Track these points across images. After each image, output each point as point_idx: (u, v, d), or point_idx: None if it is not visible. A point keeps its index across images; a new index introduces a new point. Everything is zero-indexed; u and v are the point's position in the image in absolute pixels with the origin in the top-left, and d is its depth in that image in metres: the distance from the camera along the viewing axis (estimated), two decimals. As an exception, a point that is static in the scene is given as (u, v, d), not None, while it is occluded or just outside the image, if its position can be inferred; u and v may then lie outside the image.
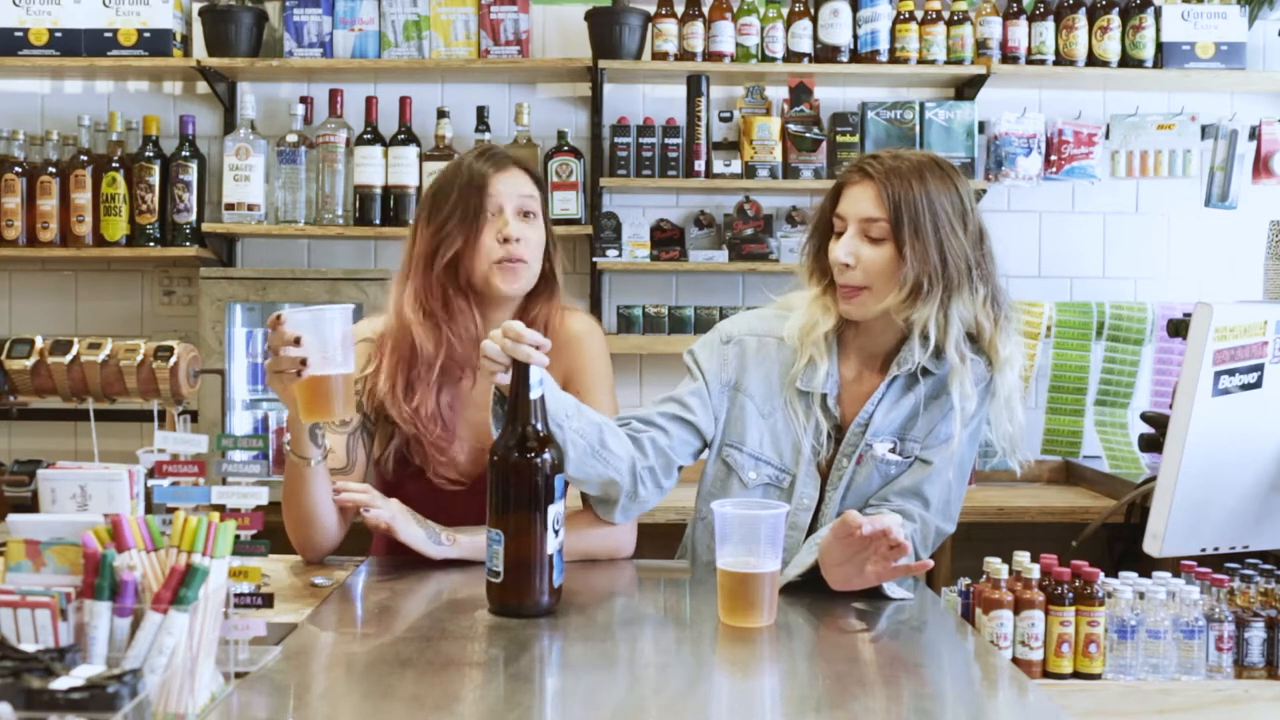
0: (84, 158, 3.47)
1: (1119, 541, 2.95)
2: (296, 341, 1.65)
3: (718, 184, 3.50)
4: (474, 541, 1.84)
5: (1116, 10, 3.52)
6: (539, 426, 1.57)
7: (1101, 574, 1.83)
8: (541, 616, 1.56)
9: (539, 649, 1.46)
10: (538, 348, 1.57)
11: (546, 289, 2.04)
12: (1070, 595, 1.81)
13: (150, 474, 1.35)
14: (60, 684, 0.92)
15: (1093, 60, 3.52)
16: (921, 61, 3.49)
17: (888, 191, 1.82)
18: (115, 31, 3.45)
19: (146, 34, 3.45)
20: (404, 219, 3.43)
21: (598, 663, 1.45)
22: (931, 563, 1.71)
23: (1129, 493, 2.84)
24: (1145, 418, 3.13)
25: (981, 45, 3.51)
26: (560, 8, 3.66)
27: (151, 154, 3.49)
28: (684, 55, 3.49)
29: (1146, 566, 2.00)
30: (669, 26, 3.48)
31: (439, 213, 1.97)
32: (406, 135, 3.49)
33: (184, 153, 3.51)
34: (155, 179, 3.48)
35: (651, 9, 3.51)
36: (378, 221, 3.45)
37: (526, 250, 1.97)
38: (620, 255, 3.52)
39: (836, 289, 1.87)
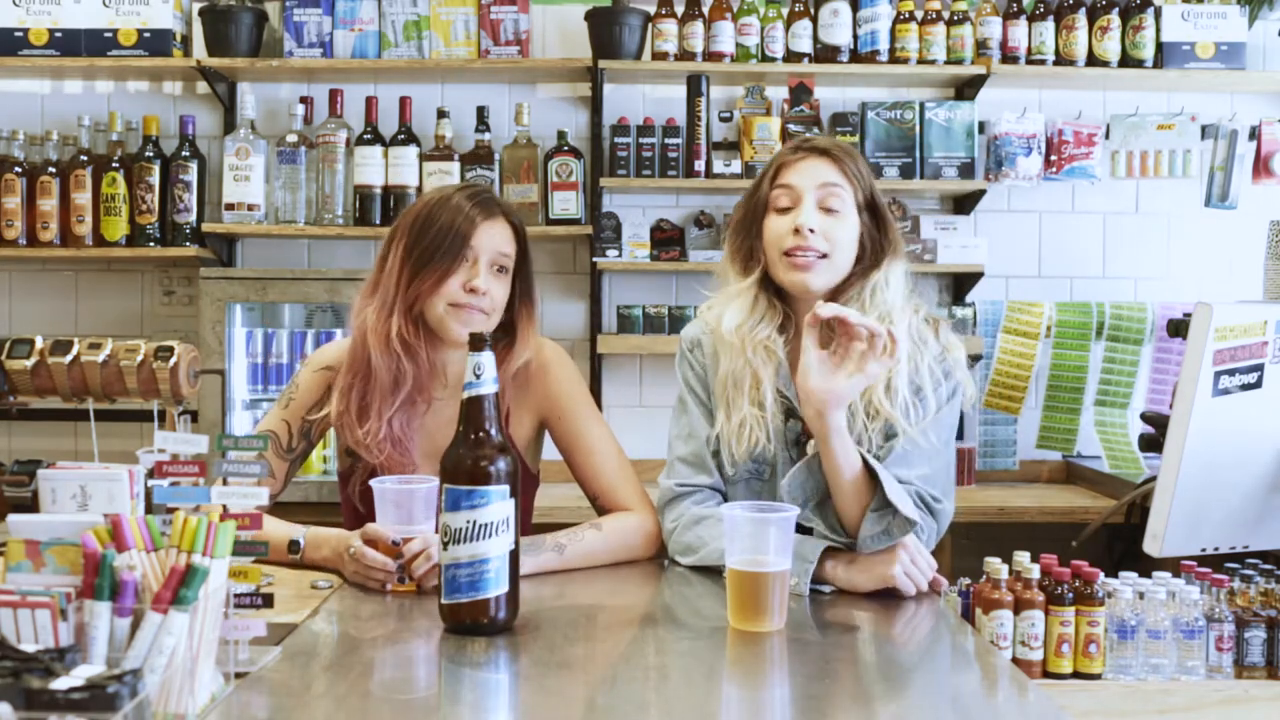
0: (84, 158, 3.47)
1: (1119, 541, 2.95)
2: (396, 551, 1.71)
3: (718, 184, 3.50)
4: (583, 550, 1.89)
5: (1116, 10, 3.52)
6: (493, 432, 1.52)
7: (1101, 574, 1.83)
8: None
9: (544, 650, 1.46)
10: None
11: (513, 350, 2.02)
12: (1070, 595, 1.81)
13: (150, 474, 1.34)
14: (60, 684, 0.92)
15: (1093, 60, 3.52)
16: (921, 61, 3.49)
17: (846, 162, 1.88)
18: (115, 31, 3.45)
19: (146, 34, 3.45)
20: (404, 219, 3.43)
21: (603, 665, 1.45)
22: (932, 574, 1.72)
23: (1129, 493, 2.84)
24: (1145, 418, 3.13)
25: (981, 45, 3.52)
26: (560, 8, 3.66)
27: (151, 154, 3.49)
28: (684, 55, 3.49)
29: (1146, 566, 2.00)
30: (669, 26, 3.48)
31: (420, 244, 1.96)
32: (406, 135, 3.49)
33: (184, 153, 3.51)
34: (155, 179, 3.48)
35: (651, 9, 3.51)
36: (378, 221, 3.45)
37: (488, 303, 1.97)
38: (620, 255, 3.52)
39: (781, 265, 1.87)
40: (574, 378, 2.09)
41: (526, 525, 2.08)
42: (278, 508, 2.03)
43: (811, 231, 1.83)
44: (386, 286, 1.98)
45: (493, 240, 1.97)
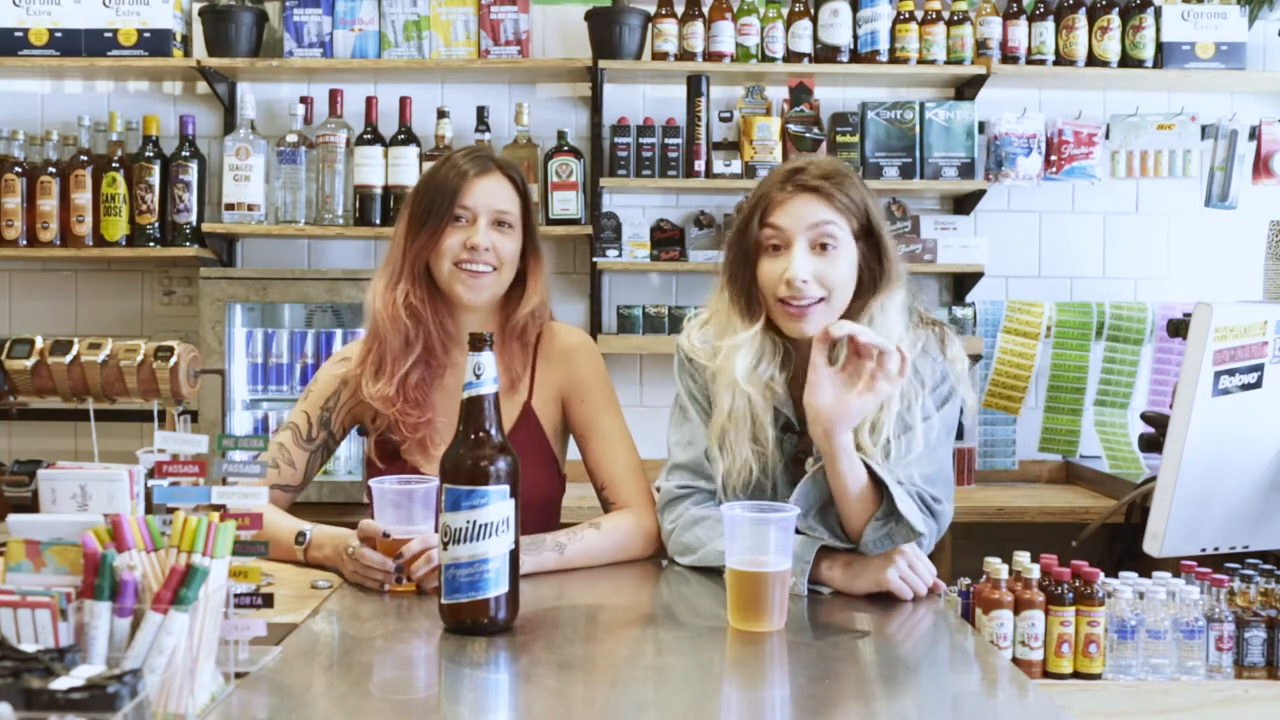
0: (84, 158, 3.47)
1: (1119, 541, 2.95)
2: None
3: (718, 184, 3.50)
4: (586, 548, 1.89)
5: (1116, 10, 3.52)
6: (492, 432, 1.51)
7: (1101, 574, 1.83)
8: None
9: (544, 650, 1.46)
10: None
11: (523, 298, 2.04)
12: (1070, 595, 1.81)
13: (150, 474, 1.34)
14: (60, 684, 0.92)
15: (1093, 60, 3.52)
16: (921, 61, 3.49)
17: (837, 196, 1.80)
18: (115, 31, 3.45)
19: (146, 34, 3.45)
20: (404, 219, 3.43)
21: (603, 665, 1.45)
22: (932, 578, 1.72)
23: (1129, 493, 2.84)
24: (1145, 418, 3.12)
25: (981, 45, 3.51)
26: (560, 8, 3.66)
27: (151, 154, 3.49)
28: (684, 55, 3.49)
29: (1146, 566, 2.00)
30: (669, 26, 3.48)
31: (419, 206, 2.01)
32: (406, 135, 3.49)
33: (184, 153, 3.51)
34: (155, 179, 3.48)
35: (651, 9, 3.51)
36: (378, 221, 3.45)
37: (493, 258, 1.98)
38: (620, 255, 3.52)
39: (778, 313, 1.82)
40: (600, 366, 2.11)
41: (554, 523, 2.07)
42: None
43: (805, 282, 1.77)
44: (394, 256, 2.03)
45: (489, 196, 1.99)
